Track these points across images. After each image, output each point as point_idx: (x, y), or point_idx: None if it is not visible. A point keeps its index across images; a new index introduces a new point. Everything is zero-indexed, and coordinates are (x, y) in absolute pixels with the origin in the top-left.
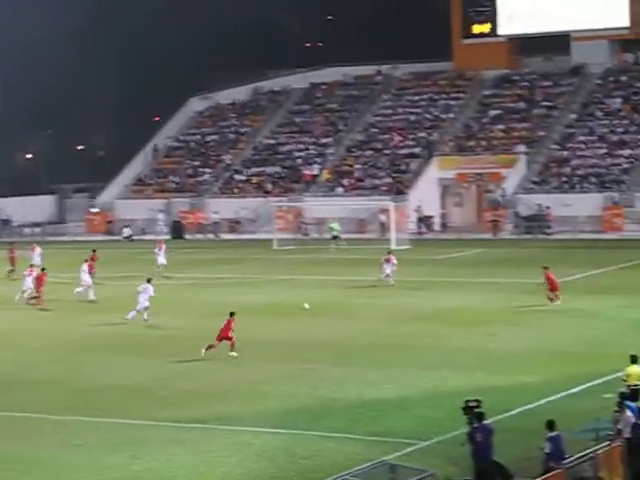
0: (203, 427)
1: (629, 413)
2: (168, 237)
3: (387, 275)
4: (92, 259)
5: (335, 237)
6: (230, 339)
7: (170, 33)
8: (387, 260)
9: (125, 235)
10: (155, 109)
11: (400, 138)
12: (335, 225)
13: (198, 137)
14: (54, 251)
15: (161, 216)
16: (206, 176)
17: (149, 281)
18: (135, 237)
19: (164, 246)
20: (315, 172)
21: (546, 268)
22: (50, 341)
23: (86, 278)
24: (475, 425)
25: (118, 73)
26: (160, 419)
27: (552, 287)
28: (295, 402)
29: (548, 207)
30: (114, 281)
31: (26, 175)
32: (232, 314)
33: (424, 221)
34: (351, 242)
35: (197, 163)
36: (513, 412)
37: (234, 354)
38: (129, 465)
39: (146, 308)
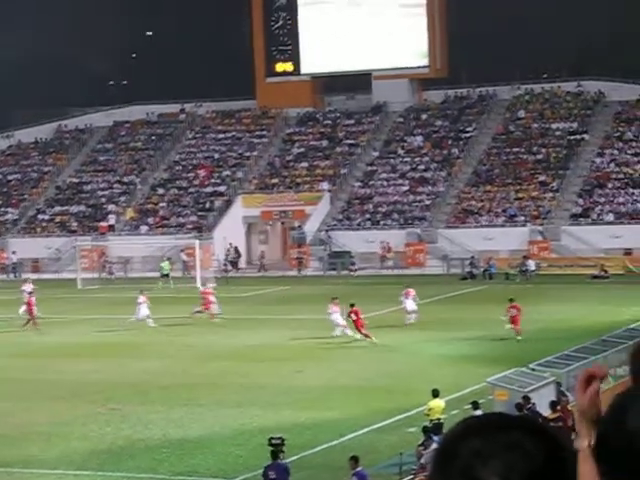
0: (7, 471)
1: (435, 446)
2: None
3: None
4: None
5: (165, 275)
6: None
7: None
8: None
9: None
10: None
11: (205, 173)
12: (165, 264)
13: (0, 176)
14: None
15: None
16: (8, 215)
17: None
18: None
19: None
20: (112, 222)
21: (352, 305)
22: None
23: None
24: (269, 463)
25: None
26: None
27: (358, 324)
28: (100, 443)
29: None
30: None
31: None
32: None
33: (232, 259)
34: (155, 281)
35: None
36: (318, 448)
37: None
38: None
39: None
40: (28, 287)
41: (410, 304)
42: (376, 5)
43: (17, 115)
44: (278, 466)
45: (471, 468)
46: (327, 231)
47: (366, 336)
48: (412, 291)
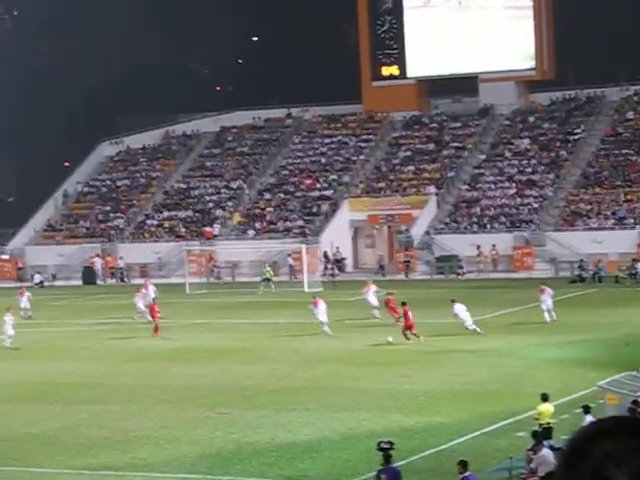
0: (116, 474)
1: (545, 451)
2: (79, 283)
3: None
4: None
5: (266, 280)
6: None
7: (80, 77)
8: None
9: (36, 281)
10: (65, 154)
11: (309, 182)
12: (267, 269)
13: (109, 182)
14: None
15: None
16: (117, 221)
17: None
18: (46, 283)
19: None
20: (216, 232)
21: (404, 304)
22: None
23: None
24: (381, 467)
25: (27, 118)
26: (73, 467)
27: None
28: (209, 447)
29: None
30: (24, 328)
31: None
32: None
33: (337, 263)
34: (258, 285)
35: (108, 208)
36: (427, 453)
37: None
38: None
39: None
40: (151, 292)
41: (372, 298)
42: (482, 8)
43: (125, 121)
44: (391, 470)
45: (603, 469)
46: (429, 234)
47: (415, 335)
48: (373, 286)
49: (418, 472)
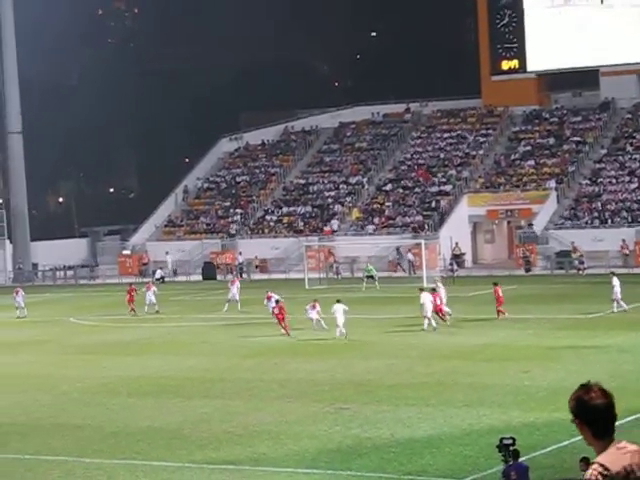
0: (237, 469)
1: None
2: (199, 278)
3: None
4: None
5: (370, 277)
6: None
7: (200, 75)
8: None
9: (157, 277)
10: (185, 150)
11: (424, 178)
12: (371, 266)
13: (228, 178)
14: (86, 294)
15: (169, 257)
16: (237, 217)
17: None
18: (167, 279)
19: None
20: (335, 228)
21: (495, 284)
22: (76, 385)
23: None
24: (510, 463)
25: (149, 114)
26: (194, 461)
27: (499, 302)
28: (328, 442)
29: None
30: (146, 322)
31: (58, 219)
32: (495, 284)
33: (456, 258)
34: (381, 281)
35: (227, 204)
36: (548, 449)
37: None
38: None
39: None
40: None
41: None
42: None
43: (245, 118)
44: (519, 466)
45: None
46: (547, 230)
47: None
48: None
49: (539, 468)
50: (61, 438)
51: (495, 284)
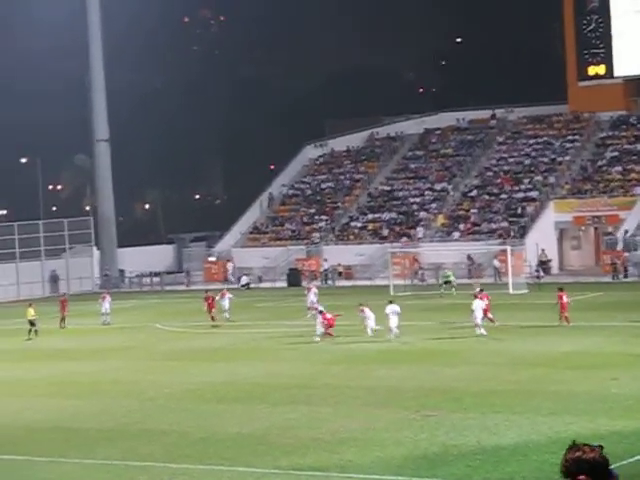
0: (325, 475)
1: None
2: (284, 285)
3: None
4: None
5: (447, 282)
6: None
7: (285, 82)
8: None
9: (243, 283)
10: (270, 157)
11: (508, 184)
12: (449, 272)
13: (313, 184)
14: (172, 300)
15: (230, 266)
16: (322, 223)
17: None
18: (253, 285)
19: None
20: (420, 235)
21: (561, 290)
22: (163, 391)
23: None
24: None
25: (234, 122)
26: (281, 467)
27: (562, 308)
28: (415, 449)
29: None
30: (231, 329)
31: (144, 225)
32: (561, 289)
33: (542, 265)
34: (466, 287)
35: (312, 210)
36: (636, 458)
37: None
38: None
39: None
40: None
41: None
42: None
43: (330, 124)
44: (610, 475)
45: None
46: (632, 236)
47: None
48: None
49: (627, 477)
50: (148, 444)
51: (560, 289)
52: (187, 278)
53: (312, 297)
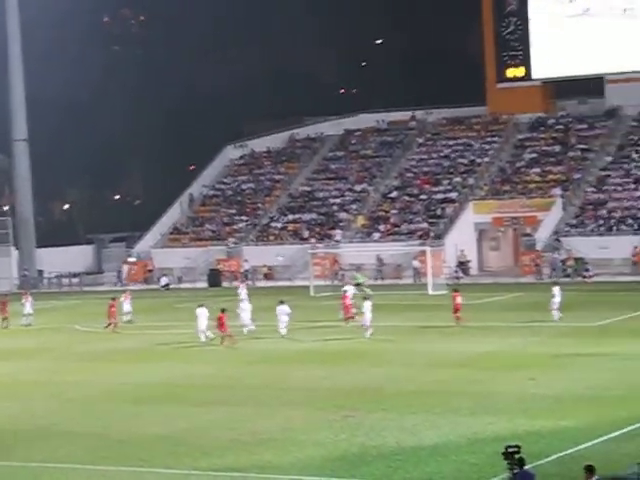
0: (243, 476)
1: None
2: (205, 285)
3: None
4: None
5: (358, 284)
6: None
7: (206, 82)
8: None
9: (162, 284)
10: (191, 158)
11: (427, 185)
12: (358, 274)
13: (234, 185)
14: (91, 301)
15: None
16: (242, 224)
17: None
18: (172, 286)
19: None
20: (338, 238)
21: (456, 291)
22: (82, 392)
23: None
24: (515, 471)
25: (154, 122)
26: (200, 468)
27: (455, 309)
28: (334, 449)
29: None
30: (151, 330)
31: (63, 225)
32: (455, 290)
33: (461, 266)
34: (387, 288)
35: (233, 211)
36: (553, 457)
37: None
38: None
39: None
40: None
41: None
42: (608, 9)
43: (250, 125)
44: (526, 474)
45: None
46: (557, 238)
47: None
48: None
49: (545, 476)
50: (67, 445)
51: (455, 290)
52: (118, 277)
53: (243, 295)
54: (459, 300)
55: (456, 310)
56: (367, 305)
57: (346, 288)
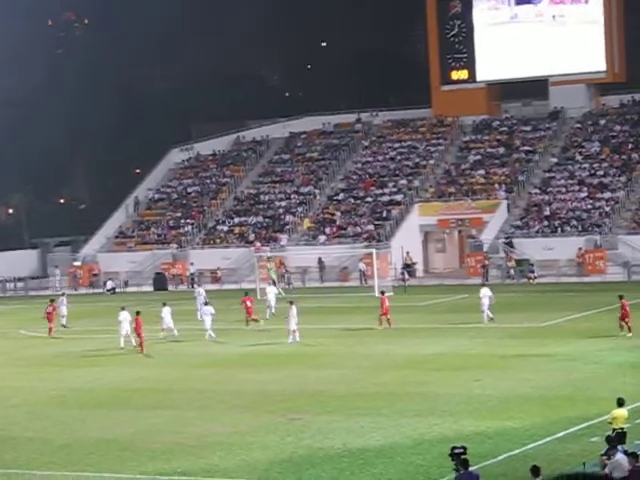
0: (189, 479)
1: (620, 456)
2: (151, 289)
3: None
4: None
5: (274, 282)
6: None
7: (150, 85)
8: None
9: (108, 288)
10: (136, 161)
11: (372, 187)
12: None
13: (179, 188)
14: (37, 306)
15: (57, 272)
16: (188, 227)
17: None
18: (118, 290)
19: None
20: (283, 242)
21: (383, 293)
22: (27, 398)
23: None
24: (460, 472)
25: (98, 125)
26: (147, 472)
27: (384, 312)
28: (281, 452)
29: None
30: (95, 334)
31: (7, 230)
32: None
33: (407, 268)
34: (333, 290)
35: (179, 214)
36: (499, 458)
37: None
38: None
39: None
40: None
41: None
42: (552, 11)
43: (195, 128)
44: (470, 475)
45: None
46: (507, 238)
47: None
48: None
49: (490, 477)
50: (12, 451)
51: (382, 293)
52: (74, 281)
53: (201, 300)
54: (387, 303)
55: (384, 313)
56: (293, 309)
57: (267, 288)
